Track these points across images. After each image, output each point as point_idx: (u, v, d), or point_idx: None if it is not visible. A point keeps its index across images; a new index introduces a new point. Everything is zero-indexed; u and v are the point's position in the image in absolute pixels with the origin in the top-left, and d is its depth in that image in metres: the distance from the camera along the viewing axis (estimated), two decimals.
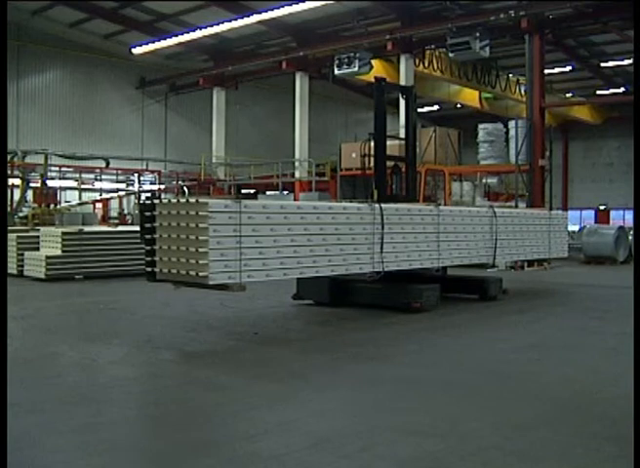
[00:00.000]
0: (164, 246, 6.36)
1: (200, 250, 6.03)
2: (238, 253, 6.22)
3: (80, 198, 25.90)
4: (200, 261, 6.02)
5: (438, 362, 5.92)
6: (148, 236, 6.49)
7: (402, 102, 21.53)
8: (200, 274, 6.04)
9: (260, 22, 22.57)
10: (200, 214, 6.06)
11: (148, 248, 6.51)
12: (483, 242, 9.57)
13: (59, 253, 12.40)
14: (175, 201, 6.57)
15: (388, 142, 10.17)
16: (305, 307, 9.10)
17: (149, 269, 6.52)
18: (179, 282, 6.40)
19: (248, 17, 21.89)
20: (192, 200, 6.30)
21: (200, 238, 6.03)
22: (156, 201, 6.56)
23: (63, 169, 26.25)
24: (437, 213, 8.73)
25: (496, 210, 10.04)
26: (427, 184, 20.71)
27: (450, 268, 9.92)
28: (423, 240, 8.50)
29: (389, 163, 10.83)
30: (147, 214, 6.53)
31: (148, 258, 6.51)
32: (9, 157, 21.27)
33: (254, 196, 26.48)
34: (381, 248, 7.75)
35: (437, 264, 8.76)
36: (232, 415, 4.27)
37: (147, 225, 6.50)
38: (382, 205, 7.96)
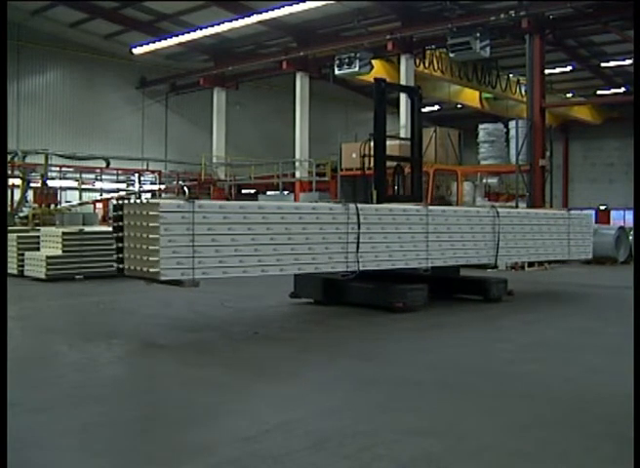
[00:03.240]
0: (129, 244, 6.63)
1: (151, 247, 6.32)
2: (191, 251, 6.42)
3: (80, 198, 25.92)
4: (151, 258, 6.30)
5: (436, 362, 5.92)
6: (118, 234, 6.81)
7: (402, 103, 21.76)
8: (151, 270, 6.33)
9: (260, 22, 22.59)
10: (151, 213, 6.34)
11: (119, 245, 6.80)
12: (484, 243, 9.42)
13: (59, 253, 12.40)
14: (137, 202, 6.89)
15: (388, 142, 10.18)
16: (303, 306, 9.11)
17: (119, 266, 6.81)
18: (141, 278, 6.66)
19: (248, 17, 21.91)
20: (145, 201, 6.63)
21: (151, 236, 6.32)
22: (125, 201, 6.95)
23: (64, 169, 26.29)
24: (425, 213, 8.64)
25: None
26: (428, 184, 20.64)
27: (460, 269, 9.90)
28: (409, 240, 8.42)
29: (392, 163, 10.86)
30: (118, 213, 6.85)
31: (119, 255, 6.80)
32: (9, 157, 21.27)
33: (254, 196, 26.51)
34: (357, 247, 7.77)
35: (426, 264, 8.65)
36: (232, 415, 4.27)
37: (117, 224, 6.84)
38: (360, 205, 8.00)
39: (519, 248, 10.05)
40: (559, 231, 10.76)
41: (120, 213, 6.82)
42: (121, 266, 6.79)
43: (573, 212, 11.53)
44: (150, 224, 6.35)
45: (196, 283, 6.56)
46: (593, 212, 34.63)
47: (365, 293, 8.82)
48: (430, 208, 8.90)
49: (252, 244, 6.88)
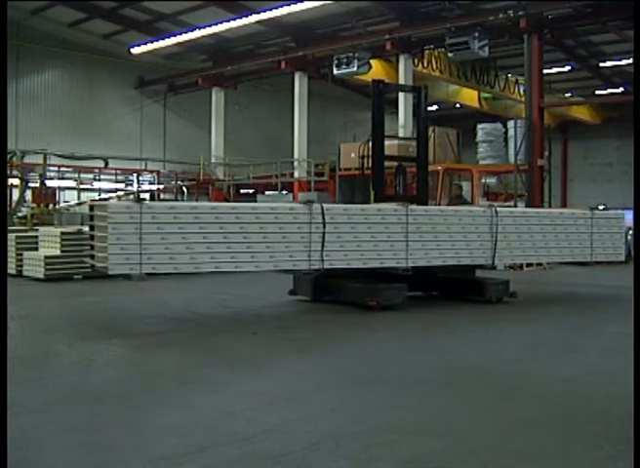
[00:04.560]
0: (97, 242, 7.30)
1: (100, 244, 7.12)
2: (139, 248, 6.98)
3: (79, 198, 25.88)
4: (100, 254, 7.10)
5: (434, 362, 5.92)
6: (91, 233, 7.58)
7: (401, 103, 21.75)
8: (100, 265, 7.11)
9: (259, 22, 22.57)
10: (102, 214, 7.09)
11: (91, 243, 7.52)
12: (479, 243, 9.19)
13: (57, 252, 12.38)
14: (101, 204, 7.75)
15: (387, 142, 10.18)
16: (298, 305, 9.16)
17: (91, 262, 7.50)
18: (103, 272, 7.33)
19: (247, 17, 21.90)
20: (99, 203, 7.72)
21: (99, 234, 7.14)
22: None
23: (62, 169, 26.23)
24: (404, 212, 8.60)
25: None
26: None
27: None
28: (386, 239, 8.43)
29: (395, 163, 10.86)
30: (91, 213, 7.56)
31: (92, 252, 7.47)
32: (8, 157, 21.22)
33: (252, 196, 26.49)
34: (322, 246, 7.91)
35: (405, 264, 8.59)
36: (231, 415, 4.27)
37: (91, 224, 7.61)
38: (326, 205, 8.20)
39: (525, 248, 9.66)
40: (579, 231, 10.13)
41: (92, 213, 7.55)
42: (91, 262, 7.45)
43: (598, 211, 10.56)
44: (101, 224, 7.08)
45: (144, 277, 7.33)
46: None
47: (349, 292, 8.92)
48: (411, 207, 8.79)
49: (204, 242, 7.27)
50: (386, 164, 10.23)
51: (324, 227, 7.93)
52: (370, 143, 10.26)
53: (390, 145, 12.51)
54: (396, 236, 8.52)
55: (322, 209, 7.97)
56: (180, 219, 7.22)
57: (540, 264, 15.97)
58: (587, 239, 10.20)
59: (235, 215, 7.53)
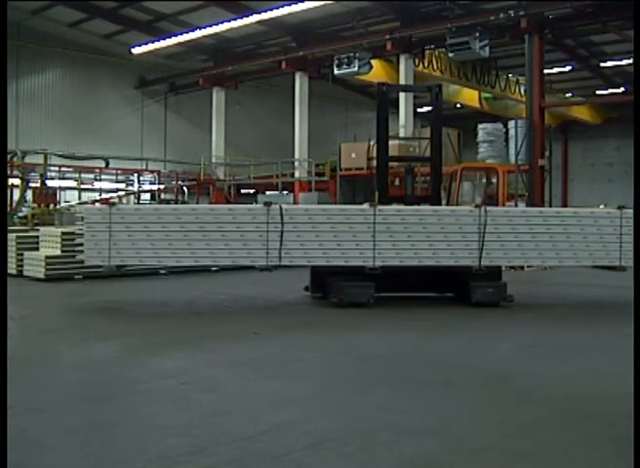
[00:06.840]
0: (84, 239, 8.41)
1: (77, 240, 8.58)
2: (109, 244, 8.23)
3: (80, 198, 25.89)
4: (79, 248, 8.50)
5: (433, 362, 5.92)
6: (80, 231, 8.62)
7: (402, 103, 21.74)
8: (79, 257, 8.55)
9: (259, 22, 22.58)
10: (77, 214, 8.52)
11: (80, 240, 8.54)
12: (464, 243, 8.89)
13: (58, 253, 12.37)
14: (83, 206, 9.23)
15: (390, 143, 10.21)
16: (302, 303, 9.15)
17: (80, 256, 8.60)
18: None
19: (247, 17, 21.91)
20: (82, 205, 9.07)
21: (77, 231, 8.60)
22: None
23: (63, 169, 26.25)
24: (371, 212, 8.67)
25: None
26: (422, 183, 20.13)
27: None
28: (350, 238, 8.59)
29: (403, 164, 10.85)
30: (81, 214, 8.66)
31: (81, 248, 8.53)
32: (8, 157, 21.24)
33: (253, 196, 26.51)
34: (280, 244, 8.41)
35: (372, 263, 8.62)
36: (231, 415, 4.27)
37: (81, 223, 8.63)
38: (285, 206, 8.68)
39: (525, 250, 9.19)
40: (602, 232, 9.24)
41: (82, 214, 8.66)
42: (79, 257, 8.60)
43: (629, 210, 9.40)
44: (77, 222, 8.55)
45: (113, 268, 8.57)
46: None
47: (332, 289, 8.97)
48: (380, 207, 8.82)
49: (166, 239, 8.32)
50: (389, 164, 10.24)
51: (282, 226, 8.42)
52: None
53: (390, 145, 12.52)
54: (362, 235, 8.66)
55: (280, 209, 8.49)
56: (145, 220, 8.35)
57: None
58: (615, 241, 9.26)
59: (194, 216, 8.48)
